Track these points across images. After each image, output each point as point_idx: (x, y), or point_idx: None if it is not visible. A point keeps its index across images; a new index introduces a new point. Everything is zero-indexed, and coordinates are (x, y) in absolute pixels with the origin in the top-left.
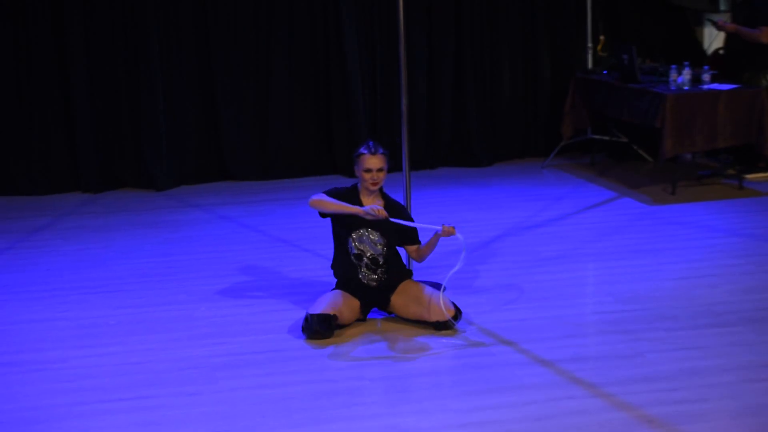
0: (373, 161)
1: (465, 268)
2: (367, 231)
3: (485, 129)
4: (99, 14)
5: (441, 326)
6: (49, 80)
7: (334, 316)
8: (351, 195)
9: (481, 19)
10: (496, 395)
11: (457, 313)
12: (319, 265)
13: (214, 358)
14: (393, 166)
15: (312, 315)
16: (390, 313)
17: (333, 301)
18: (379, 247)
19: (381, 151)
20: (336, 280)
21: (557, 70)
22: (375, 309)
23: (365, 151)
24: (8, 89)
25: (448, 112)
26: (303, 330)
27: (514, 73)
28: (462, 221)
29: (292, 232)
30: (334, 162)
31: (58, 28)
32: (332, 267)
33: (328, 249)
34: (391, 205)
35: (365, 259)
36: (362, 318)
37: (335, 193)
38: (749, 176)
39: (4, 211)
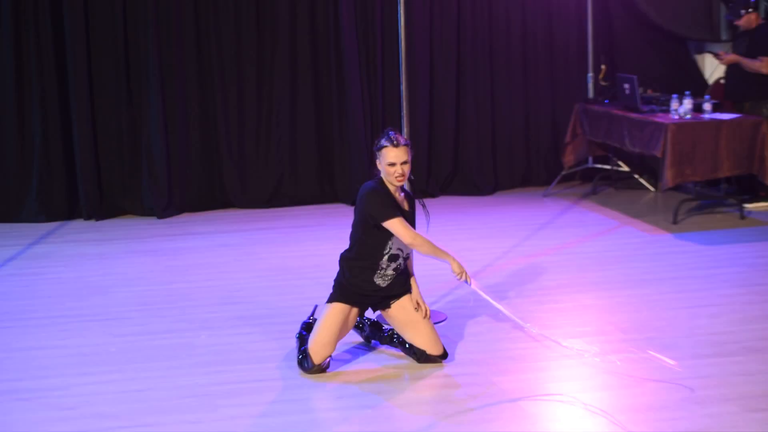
0: (396, 154)
1: (466, 296)
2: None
3: (486, 157)
4: (100, 40)
5: (424, 358)
6: (50, 107)
7: (328, 359)
8: (389, 196)
9: (482, 48)
10: (496, 425)
11: (444, 353)
12: (321, 293)
13: (214, 386)
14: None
15: (312, 365)
16: (383, 315)
17: (330, 332)
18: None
19: (404, 141)
20: (340, 280)
21: (559, 99)
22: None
23: (387, 143)
24: (10, 116)
25: (449, 140)
26: (299, 365)
27: (515, 101)
28: (463, 249)
29: (292, 261)
30: (335, 191)
31: (60, 55)
32: (342, 261)
33: (330, 277)
34: (410, 200)
35: (400, 260)
36: (361, 316)
37: (383, 201)
38: (750, 206)
39: (4, 238)
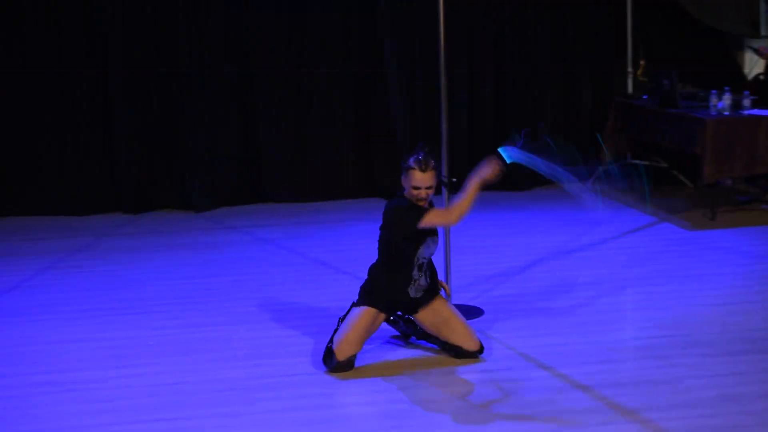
0: (423, 178)
1: (503, 292)
2: (431, 237)
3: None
4: (138, 36)
5: (462, 354)
6: (89, 102)
7: (354, 355)
8: (411, 203)
9: (521, 44)
10: (534, 420)
11: (480, 349)
12: (357, 288)
13: (251, 380)
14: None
15: (336, 362)
16: (411, 318)
17: (357, 333)
18: (434, 247)
19: (432, 165)
20: (369, 289)
21: (597, 95)
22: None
23: (415, 166)
24: (49, 111)
25: (488, 135)
26: (323, 362)
27: (553, 97)
28: (501, 245)
29: (330, 255)
30: (373, 185)
31: (100, 51)
32: (371, 273)
33: (366, 271)
34: None
35: (425, 267)
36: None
37: (408, 208)
38: None
39: (43, 232)
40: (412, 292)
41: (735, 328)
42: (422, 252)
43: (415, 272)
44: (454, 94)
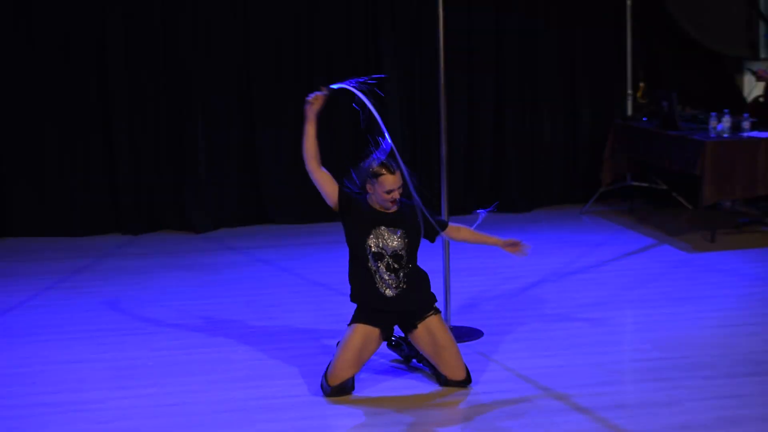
0: (395, 180)
1: (503, 313)
2: (386, 228)
3: (524, 175)
4: (141, 58)
5: (448, 383)
6: (91, 122)
7: (351, 379)
8: (363, 203)
9: (521, 65)
10: None
11: (467, 379)
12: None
13: (251, 401)
14: (432, 211)
15: (330, 387)
16: (406, 336)
17: (349, 354)
18: (399, 242)
19: (395, 166)
20: (355, 303)
21: (597, 117)
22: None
23: (385, 171)
24: (51, 132)
25: (487, 157)
26: (321, 387)
27: (553, 119)
28: (500, 267)
29: (329, 276)
30: None
31: (102, 71)
32: (350, 281)
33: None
34: (406, 207)
35: (386, 259)
36: (386, 339)
37: (349, 195)
38: None
39: (45, 252)
40: (382, 289)
41: (735, 351)
42: (372, 242)
43: (371, 263)
44: (454, 114)
